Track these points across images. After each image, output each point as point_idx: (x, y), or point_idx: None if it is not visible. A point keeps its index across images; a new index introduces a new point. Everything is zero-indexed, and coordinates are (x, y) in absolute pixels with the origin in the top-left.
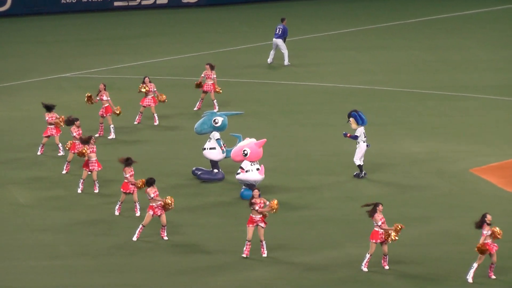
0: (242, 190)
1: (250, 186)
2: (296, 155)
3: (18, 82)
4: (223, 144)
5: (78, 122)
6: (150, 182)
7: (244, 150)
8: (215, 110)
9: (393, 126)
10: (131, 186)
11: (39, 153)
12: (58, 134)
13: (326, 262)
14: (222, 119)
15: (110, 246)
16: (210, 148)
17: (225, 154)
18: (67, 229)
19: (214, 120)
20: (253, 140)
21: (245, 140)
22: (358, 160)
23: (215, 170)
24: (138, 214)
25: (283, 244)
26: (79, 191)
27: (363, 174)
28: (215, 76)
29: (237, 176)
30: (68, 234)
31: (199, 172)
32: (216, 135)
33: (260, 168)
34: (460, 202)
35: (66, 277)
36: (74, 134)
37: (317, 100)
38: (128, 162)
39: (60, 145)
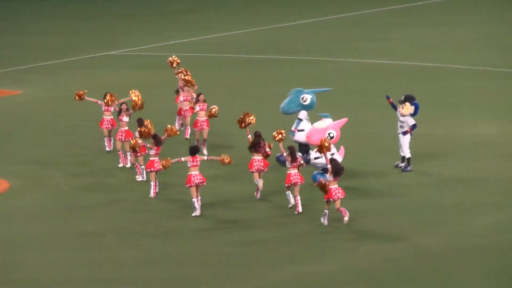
0: (315, 172)
1: (327, 170)
2: (360, 137)
3: (61, 60)
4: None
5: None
6: (193, 151)
7: (329, 133)
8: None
9: (463, 106)
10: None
11: (107, 149)
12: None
13: (392, 254)
14: (311, 96)
15: (158, 236)
16: (299, 130)
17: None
18: (113, 218)
19: (302, 98)
20: (330, 120)
21: (320, 121)
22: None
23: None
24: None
25: (345, 234)
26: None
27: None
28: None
29: (316, 160)
30: (114, 224)
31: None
32: (303, 114)
33: (340, 150)
34: None
35: (113, 269)
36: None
37: (382, 78)
38: (156, 140)
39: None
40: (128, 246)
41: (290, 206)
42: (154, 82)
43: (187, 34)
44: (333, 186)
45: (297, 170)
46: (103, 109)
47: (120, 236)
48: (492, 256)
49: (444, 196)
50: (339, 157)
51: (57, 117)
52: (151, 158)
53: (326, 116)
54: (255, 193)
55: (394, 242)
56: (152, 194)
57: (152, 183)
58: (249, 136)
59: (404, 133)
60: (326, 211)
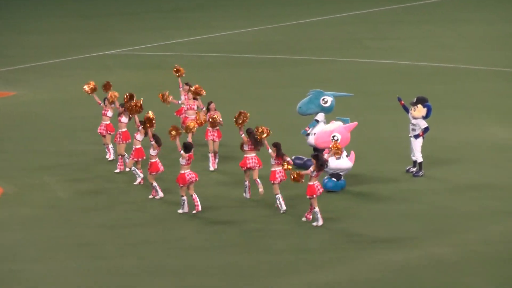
0: (326, 180)
1: (337, 176)
2: (369, 141)
3: (58, 60)
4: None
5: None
6: (188, 148)
7: (333, 136)
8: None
9: (477, 109)
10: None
11: (107, 157)
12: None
13: (404, 263)
14: (332, 99)
15: (160, 245)
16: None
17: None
18: (111, 225)
19: (323, 99)
20: (339, 123)
21: (330, 123)
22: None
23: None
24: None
25: (355, 242)
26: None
27: (422, 172)
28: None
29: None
30: (113, 232)
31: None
32: (320, 116)
33: (350, 155)
34: None
35: (112, 280)
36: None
37: (393, 79)
38: (156, 138)
39: (110, 147)
40: (128, 254)
41: (282, 211)
42: (155, 82)
43: (188, 33)
44: (315, 182)
45: (281, 167)
46: (102, 112)
47: (119, 243)
48: (507, 265)
49: (457, 202)
50: (349, 162)
51: (54, 120)
52: (153, 160)
53: (346, 121)
54: (259, 190)
55: (405, 250)
56: (160, 194)
57: (156, 185)
58: (243, 135)
59: (416, 136)
60: (317, 209)
